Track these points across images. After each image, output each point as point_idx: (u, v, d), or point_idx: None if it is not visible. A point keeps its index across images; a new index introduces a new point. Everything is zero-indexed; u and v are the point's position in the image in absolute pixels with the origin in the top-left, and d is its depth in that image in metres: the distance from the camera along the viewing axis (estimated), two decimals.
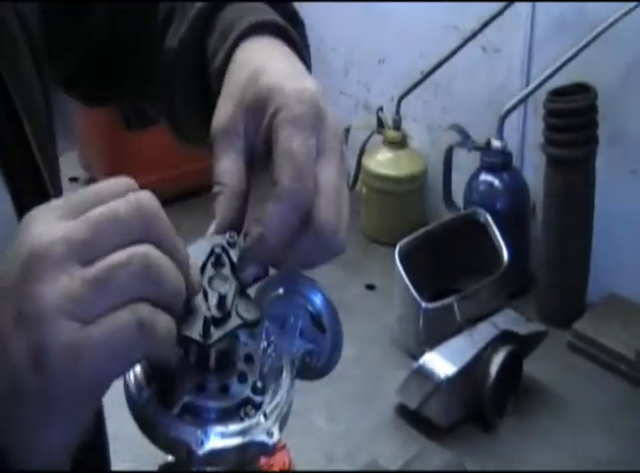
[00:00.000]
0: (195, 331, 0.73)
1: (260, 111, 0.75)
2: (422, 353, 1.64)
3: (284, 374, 0.83)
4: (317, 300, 0.91)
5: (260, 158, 0.75)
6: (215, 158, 0.77)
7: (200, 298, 0.77)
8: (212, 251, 0.79)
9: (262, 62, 0.78)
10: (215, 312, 0.74)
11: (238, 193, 0.75)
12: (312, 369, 0.93)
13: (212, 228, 0.76)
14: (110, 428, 1.61)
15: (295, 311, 0.91)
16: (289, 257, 0.72)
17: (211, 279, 0.78)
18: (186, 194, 2.36)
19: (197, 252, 0.79)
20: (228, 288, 0.77)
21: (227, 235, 0.80)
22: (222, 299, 0.75)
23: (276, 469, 1.38)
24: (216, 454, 0.76)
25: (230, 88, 0.78)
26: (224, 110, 0.76)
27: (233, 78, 0.79)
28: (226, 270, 0.79)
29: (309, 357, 0.91)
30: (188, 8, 0.85)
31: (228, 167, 0.76)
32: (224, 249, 0.79)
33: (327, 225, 0.65)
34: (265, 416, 0.79)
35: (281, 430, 0.80)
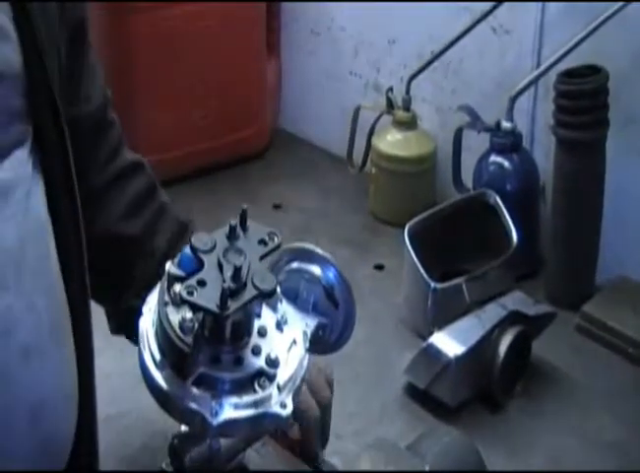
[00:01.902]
0: (212, 302, 0.73)
1: None
2: (431, 333, 1.64)
3: (297, 347, 0.84)
4: (331, 274, 0.92)
5: None
6: None
7: (215, 269, 0.77)
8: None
9: None
10: (230, 284, 0.74)
11: None
12: (325, 342, 0.93)
13: None
14: (122, 404, 1.63)
15: (309, 285, 0.92)
16: None
17: (226, 251, 0.78)
18: (199, 172, 2.36)
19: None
20: (243, 260, 0.77)
21: (268, 232, 0.81)
22: (237, 270, 0.75)
23: None
24: (229, 425, 0.77)
25: None
26: None
27: None
28: (241, 242, 0.79)
29: (322, 330, 0.91)
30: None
31: None
32: (241, 221, 0.79)
33: None
34: (279, 388, 0.80)
35: (294, 401, 0.80)
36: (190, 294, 0.74)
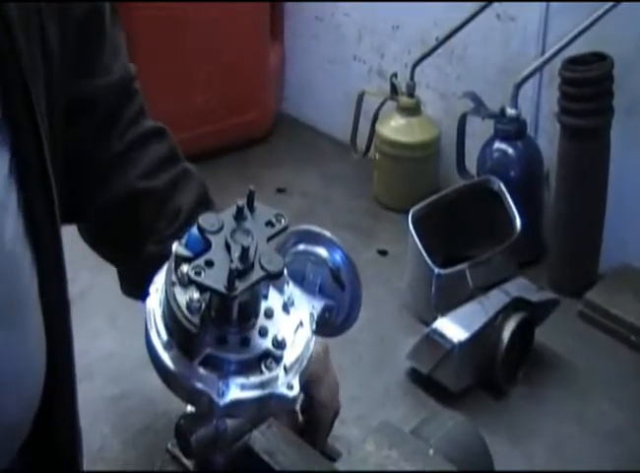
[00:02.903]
0: (219, 283, 0.73)
1: None
2: (434, 319, 1.64)
3: (304, 329, 0.84)
4: (337, 256, 0.92)
5: None
6: None
7: (222, 250, 0.77)
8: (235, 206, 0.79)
9: None
10: (238, 264, 0.74)
11: None
12: (331, 324, 0.93)
13: None
14: (125, 385, 1.63)
15: (315, 267, 0.92)
16: None
17: (233, 232, 0.78)
18: (202, 156, 2.35)
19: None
20: (251, 240, 0.77)
21: (275, 213, 0.81)
22: (244, 251, 0.75)
23: None
24: (236, 405, 0.77)
25: None
26: None
27: None
28: (249, 223, 0.79)
29: (328, 312, 0.91)
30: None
31: None
32: (248, 203, 0.79)
33: None
34: (285, 369, 0.80)
35: (300, 383, 0.81)
36: (198, 274, 0.74)
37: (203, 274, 0.74)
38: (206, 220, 0.77)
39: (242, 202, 0.79)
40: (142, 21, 2.22)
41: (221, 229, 0.77)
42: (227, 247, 0.76)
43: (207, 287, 0.73)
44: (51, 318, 0.96)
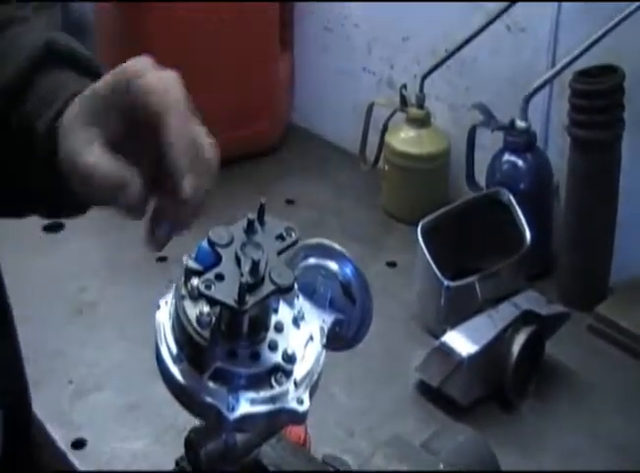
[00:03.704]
0: (229, 297, 0.73)
1: (110, 106, 0.78)
2: (443, 331, 1.64)
3: (314, 343, 0.84)
4: (348, 270, 0.91)
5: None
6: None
7: (232, 264, 0.77)
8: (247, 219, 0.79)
9: (90, 90, 0.82)
10: (248, 278, 0.74)
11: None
12: (341, 338, 0.93)
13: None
14: (133, 396, 1.62)
15: (326, 281, 0.92)
16: None
17: (243, 245, 0.78)
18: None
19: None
20: (261, 254, 0.77)
21: (285, 227, 0.81)
22: (255, 264, 0.75)
23: None
24: (246, 420, 0.77)
25: (70, 126, 0.80)
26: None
27: (67, 124, 0.81)
28: (259, 237, 0.79)
29: (339, 326, 0.91)
30: None
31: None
32: (259, 216, 0.79)
33: None
34: (295, 384, 0.80)
35: (311, 397, 0.80)
36: (208, 288, 0.74)
37: (213, 288, 0.74)
38: (216, 233, 0.77)
39: (253, 215, 0.79)
40: (154, 32, 2.22)
41: (231, 242, 0.77)
42: (238, 261, 0.76)
43: (217, 301, 0.73)
44: None
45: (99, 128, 0.79)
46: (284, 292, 0.76)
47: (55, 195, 0.86)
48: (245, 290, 0.73)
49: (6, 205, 0.94)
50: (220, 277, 0.74)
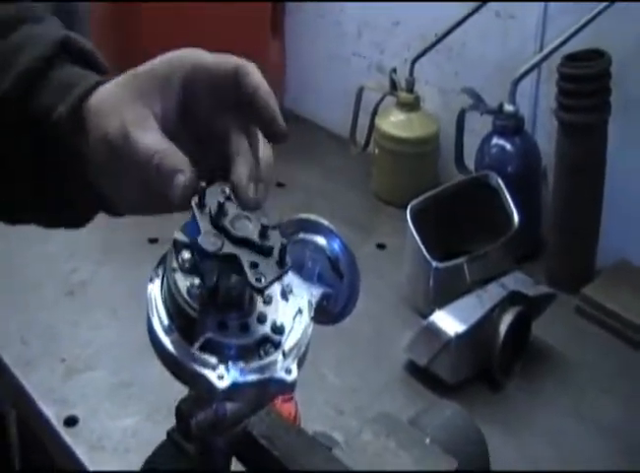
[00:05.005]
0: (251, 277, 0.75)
1: (164, 85, 0.77)
2: (432, 312, 1.65)
3: (302, 316, 0.85)
4: (335, 245, 0.93)
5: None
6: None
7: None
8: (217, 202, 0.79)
9: (129, 74, 0.80)
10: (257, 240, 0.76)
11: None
12: (329, 312, 0.95)
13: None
14: (124, 376, 1.64)
15: (314, 256, 0.93)
16: None
17: (232, 220, 0.79)
18: None
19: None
20: (253, 227, 0.78)
21: (220, 188, 0.81)
22: (264, 229, 0.76)
23: None
24: (235, 389, 0.79)
25: (107, 107, 0.78)
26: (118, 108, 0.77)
27: (106, 105, 0.79)
28: (237, 207, 0.80)
29: (326, 300, 0.93)
30: (10, 63, 0.82)
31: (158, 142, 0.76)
32: (226, 198, 0.80)
33: None
34: (284, 354, 0.81)
35: (299, 368, 0.82)
36: (258, 281, 0.76)
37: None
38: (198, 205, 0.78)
39: (223, 199, 0.78)
40: (146, 20, 2.23)
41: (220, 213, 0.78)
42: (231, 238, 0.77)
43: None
44: None
45: (152, 109, 0.78)
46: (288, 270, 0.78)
47: (66, 192, 0.84)
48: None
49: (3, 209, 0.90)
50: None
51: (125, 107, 0.77)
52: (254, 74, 0.80)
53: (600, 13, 1.78)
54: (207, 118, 0.81)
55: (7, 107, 0.82)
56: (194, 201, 0.76)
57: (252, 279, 0.75)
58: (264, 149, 0.82)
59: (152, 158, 0.75)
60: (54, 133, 0.80)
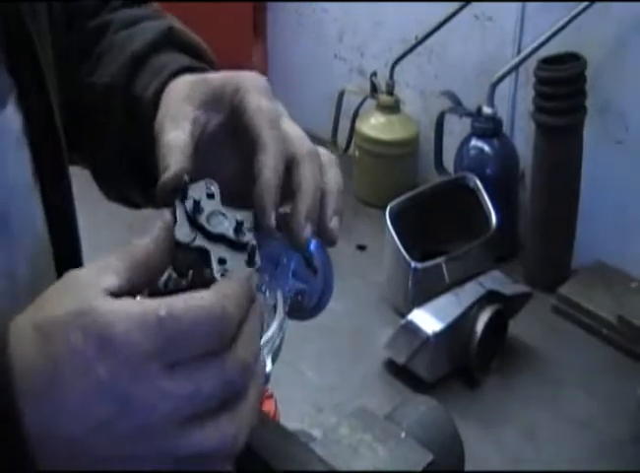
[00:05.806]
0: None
1: (217, 99, 0.79)
2: (411, 311, 1.68)
3: (277, 311, 0.87)
4: (310, 243, 0.95)
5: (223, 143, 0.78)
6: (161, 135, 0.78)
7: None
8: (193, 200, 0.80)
9: (201, 77, 0.82)
10: (232, 236, 0.77)
11: (187, 153, 0.77)
12: (304, 308, 0.96)
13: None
14: None
15: (289, 252, 0.95)
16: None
17: (209, 216, 0.80)
18: None
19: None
20: (228, 224, 0.80)
21: (205, 184, 0.82)
22: (239, 225, 0.78)
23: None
24: None
25: (172, 97, 0.81)
26: (172, 107, 0.79)
27: (172, 94, 0.81)
28: (217, 204, 0.81)
29: (301, 296, 0.94)
30: (119, 49, 0.84)
31: (176, 135, 0.78)
32: (208, 195, 0.81)
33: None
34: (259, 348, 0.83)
35: (273, 362, 0.84)
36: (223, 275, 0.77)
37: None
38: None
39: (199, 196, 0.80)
40: None
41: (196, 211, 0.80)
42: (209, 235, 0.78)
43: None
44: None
45: (195, 114, 0.79)
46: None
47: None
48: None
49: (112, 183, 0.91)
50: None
51: (178, 103, 0.79)
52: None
53: (576, 16, 1.81)
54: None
55: (115, 93, 0.85)
56: (178, 196, 0.78)
57: (217, 274, 0.76)
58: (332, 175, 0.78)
59: (160, 153, 0.77)
60: (147, 112, 0.83)
